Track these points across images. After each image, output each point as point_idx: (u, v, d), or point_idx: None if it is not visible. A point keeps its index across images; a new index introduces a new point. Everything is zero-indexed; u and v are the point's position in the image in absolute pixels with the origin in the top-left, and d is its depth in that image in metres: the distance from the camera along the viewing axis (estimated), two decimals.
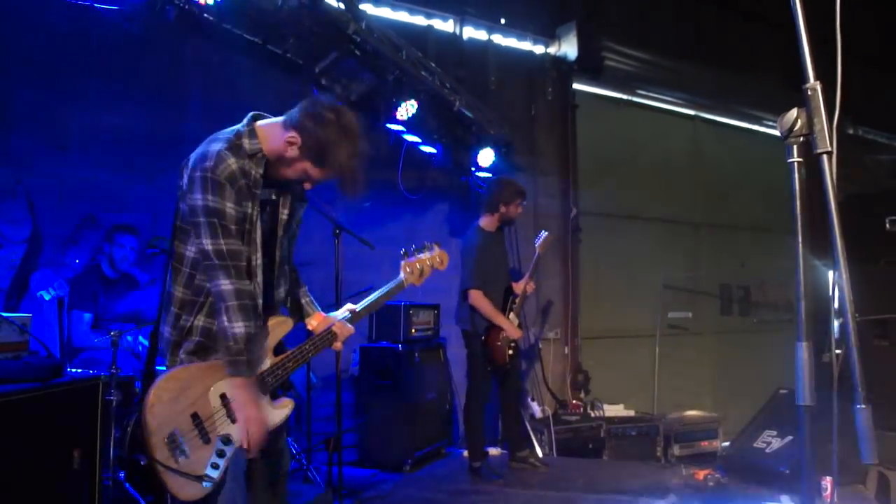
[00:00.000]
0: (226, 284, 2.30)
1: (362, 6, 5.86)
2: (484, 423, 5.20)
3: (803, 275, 1.73)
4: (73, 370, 3.96)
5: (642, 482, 4.91)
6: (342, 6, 4.69)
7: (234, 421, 2.38)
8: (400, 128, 5.51)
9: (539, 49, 7.38)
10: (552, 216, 7.12)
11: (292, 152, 2.37)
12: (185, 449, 2.29)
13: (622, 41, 7.70)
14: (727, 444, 6.17)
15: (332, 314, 2.74)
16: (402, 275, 2.82)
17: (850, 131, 10.39)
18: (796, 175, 1.72)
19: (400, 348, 5.40)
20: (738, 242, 8.84)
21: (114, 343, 3.75)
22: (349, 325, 2.69)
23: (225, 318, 2.29)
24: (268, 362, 2.46)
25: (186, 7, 4.23)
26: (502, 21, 7.12)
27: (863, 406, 1.59)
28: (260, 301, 2.43)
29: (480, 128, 5.97)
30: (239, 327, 2.28)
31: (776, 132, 1.77)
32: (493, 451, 5.91)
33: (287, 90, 5.12)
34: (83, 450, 3.13)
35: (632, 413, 6.54)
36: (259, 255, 2.43)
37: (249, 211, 2.38)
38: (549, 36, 7.41)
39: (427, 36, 6.55)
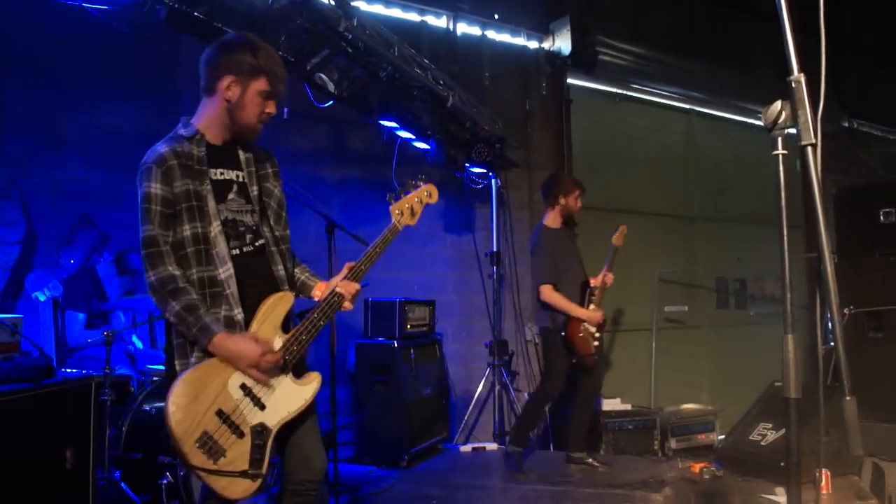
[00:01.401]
0: (148, 278, 2.33)
1: (355, 3, 5.87)
2: (540, 417, 5.22)
3: (789, 267, 1.73)
4: (68, 370, 3.98)
5: (639, 476, 4.91)
6: (333, 3, 4.68)
7: (263, 408, 2.35)
8: (393, 124, 5.51)
9: (533, 44, 7.38)
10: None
11: (234, 91, 2.44)
12: (220, 448, 2.25)
13: (616, 36, 7.69)
14: (723, 437, 6.18)
15: (333, 278, 2.70)
16: (392, 219, 2.79)
17: (846, 124, 10.38)
18: (781, 167, 1.73)
19: (396, 344, 5.40)
20: (733, 236, 8.85)
21: (107, 343, 3.76)
22: (353, 283, 2.64)
23: (165, 314, 2.32)
24: (279, 340, 2.42)
25: (176, 6, 4.21)
26: (496, 17, 7.12)
27: (849, 398, 1.58)
28: (224, 269, 2.41)
29: (474, 123, 5.96)
30: (173, 310, 2.29)
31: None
32: (490, 446, 5.93)
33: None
34: (76, 449, 3.13)
35: (629, 407, 6.54)
36: (217, 224, 2.42)
37: (192, 186, 2.40)
38: (543, 31, 7.41)
39: (420, 32, 6.54)
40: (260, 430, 2.33)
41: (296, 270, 2.73)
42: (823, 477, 4.48)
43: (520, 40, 7.29)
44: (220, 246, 2.42)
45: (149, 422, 3.94)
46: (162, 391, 4.07)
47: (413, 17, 6.53)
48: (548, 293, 4.94)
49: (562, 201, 5.16)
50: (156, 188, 2.35)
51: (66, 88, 4.91)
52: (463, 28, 6.87)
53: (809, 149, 1.66)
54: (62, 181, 4.93)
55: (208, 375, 2.31)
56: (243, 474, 2.26)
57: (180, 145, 2.43)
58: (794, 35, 1.71)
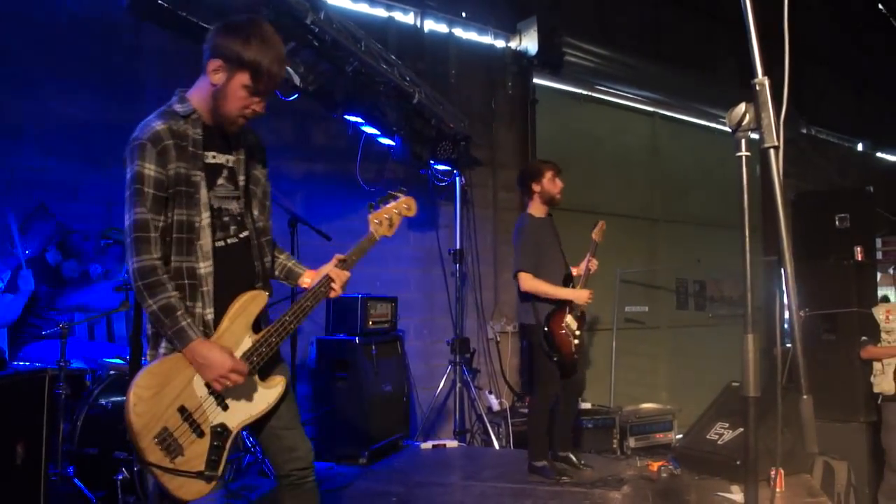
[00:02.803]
0: (130, 266, 2.23)
1: None
2: (550, 422, 4.94)
3: (750, 268, 1.75)
4: (21, 363, 3.88)
5: (597, 474, 4.95)
6: None
7: (225, 408, 2.29)
8: (358, 119, 5.48)
9: (500, 43, 7.39)
10: (512, 209, 7.14)
11: (220, 77, 2.31)
12: (179, 446, 2.18)
13: (582, 37, 7.74)
14: (681, 436, 6.26)
15: (323, 266, 2.62)
16: (370, 228, 2.72)
17: (804, 130, 10.60)
18: (744, 169, 1.75)
19: (357, 341, 5.38)
20: (694, 238, 8.97)
21: (63, 335, 3.68)
22: (345, 271, 2.58)
23: (143, 305, 2.24)
24: (248, 341, 2.36)
25: None
26: (463, 14, 7.12)
27: (806, 397, 1.61)
28: (205, 265, 2.34)
29: (440, 121, 5.95)
30: (150, 308, 2.22)
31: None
32: (451, 443, 5.93)
33: None
34: (27, 444, 3.06)
35: (588, 406, 6.60)
36: (206, 216, 2.34)
37: (185, 171, 2.30)
38: (510, 30, 7.43)
39: (387, 28, 6.52)
40: (220, 431, 2.27)
41: (280, 257, 2.67)
42: (778, 475, 4.56)
43: (487, 39, 7.30)
44: (206, 239, 2.35)
45: (104, 416, 3.87)
46: (119, 384, 4.02)
47: (380, 12, 6.50)
48: (527, 281, 4.77)
49: (536, 188, 5.01)
50: (149, 169, 2.24)
51: (22, 74, 4.79)
52: (430, 25, 6.86)
53: (772, 151, 1.68)
54: (17, 170, 4.81)
55: (175, 370, 2.24)
56: (199, 475, 2.20)
57: (175, 123, 2.32)
58: (758, 38, 1.73)
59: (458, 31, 7.09)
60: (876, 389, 5.70)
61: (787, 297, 1.61)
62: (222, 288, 2.36)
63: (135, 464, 3.63)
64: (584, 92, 8.16)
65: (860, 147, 12.06)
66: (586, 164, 7.99)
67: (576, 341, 4.86)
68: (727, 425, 5.14)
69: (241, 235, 2.45)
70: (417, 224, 6.62)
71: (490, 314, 7.05)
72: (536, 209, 5.05)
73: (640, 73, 8.34)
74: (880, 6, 11.47)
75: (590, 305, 5.01)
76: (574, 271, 5.06)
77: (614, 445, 6.28)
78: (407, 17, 6.72)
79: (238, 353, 2.32)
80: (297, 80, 4.83)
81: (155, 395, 2.18)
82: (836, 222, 6.72)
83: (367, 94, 5.34)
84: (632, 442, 6.37)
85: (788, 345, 6.80)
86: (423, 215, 6.69)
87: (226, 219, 2.42)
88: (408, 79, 5.70)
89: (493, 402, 6.61)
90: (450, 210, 6.81)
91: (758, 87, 1.69)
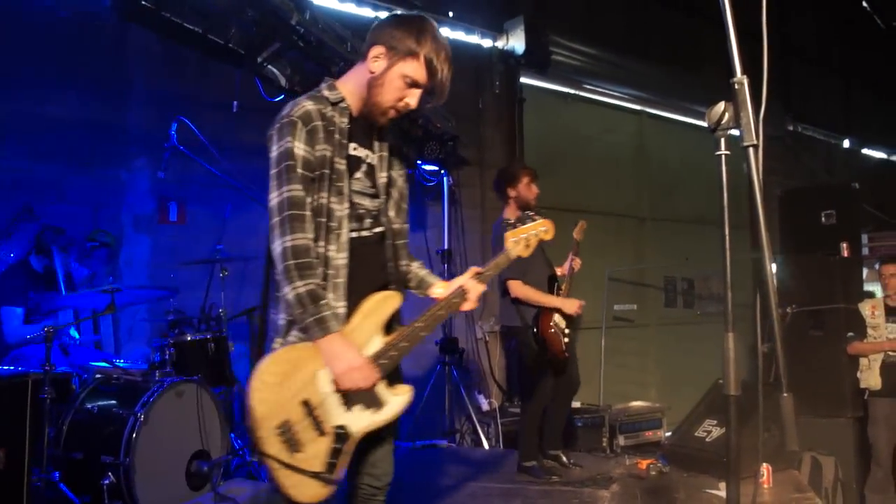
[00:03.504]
0: (280, 244, 2.12)
1: None
2: (542, 420, 4.92)
3: (730, 266, 1.76)
4: (5, 367, 3.86)
5: (587, 472, 4.96)
6: None
7: (349, 409, 2.18)
8: None
9: (487, 43, 7.39)
10: (500, 209, 7.12)
11: (380, 65, 2.27)
12: (299, 441, 2.08)
13: (569, 36, 7.76)
14: (670, 433, 6.28)
15: (456, 278, 2.56)
16: (507, 245, 2.68)
17: (790, 128, 10.65)
18: (724, 167, 1.75)
19: None
20: (682, 236, 9.00)
21: (48, 339, 3.65)
22: (480, 283, 2.50)
23: (283, 287, 2.13)
24: (378, 342, 2.25)
25: None
26: (450, 14, 7.12)
27: (786, 395, 1.61)
28: (342, 255, 2.25)
29: (427, 120, 5.95)
30: (295, 290, 2.10)
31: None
32: (441, 443, 5.93)
33: (231, 79, 5.05)
34: (10, 449, 3.03)
35: (578, 404, 6.61)
36: (346, 205, 2.26)
37: (329, 155, 2.23)
38: (497, 30, 7.43)
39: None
40: (342, 434, 2.15)
41: (413, 266, 2.59)
42: (765, 471, 4.58)
43: (474, 38, 7.30)
44: (345, 230, 2.27)
45: (91, 420, 3.85)
46: (106, 389, 4.01)
47: (367, 12, 6.48)
48: (517, 288, 4.76)
49: (512, 193, 5.02)
50: (299, 147, 2.17)
51: (7, 75, 4.77)
52: None
53: (751, 149, 1.68)
54: (2, 172, 4.78)
55: (303, 360, 2.13)
56: (316, 476, 2.09)
57: (325, 107, 2.26)
58: (738, 38, 1.74)
59: (445, 31, 7.09)
60: (862, 385, 5.75)
61: (768, 294, 1.61)
62: (354, 281, 2.27)
63: (122, 467, 3.62)
64: (572, 91, 8.17)
65: (846, 144, 12.12)
66: (574, 164, 8.01)
67: (566, 339, 4.85)
68: (715, 422, 5.15)
69: (376, 230, 2.38)
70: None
71: (478, 314, 7.05)
72: (512, 213, 5.03)
73: (626, 72, 8.37)
74: (864, 3, 11.57)
75: (583, 308, 4.98)
76: (558, 271, 5.06)
77: (604, 444, 6.29)
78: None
79: (366, 354, 2.21)
80: (282, 80, 4.83)
81: (280, 384, 2.08)
82: (823, 219, 6.76)
83: None
84: (621, 440, 6.38)
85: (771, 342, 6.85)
86: (412, 216, 6.63)
87: (360, 211, 2.35)
88: None
89: (483, 401, 6.61)
90: (438, 210, 6.81)
91: (736, 86, 1.70)
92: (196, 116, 4.79)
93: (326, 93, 2.31)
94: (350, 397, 2.17)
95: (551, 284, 4.94)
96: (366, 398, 2.20)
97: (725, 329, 1.77)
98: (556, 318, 4.82)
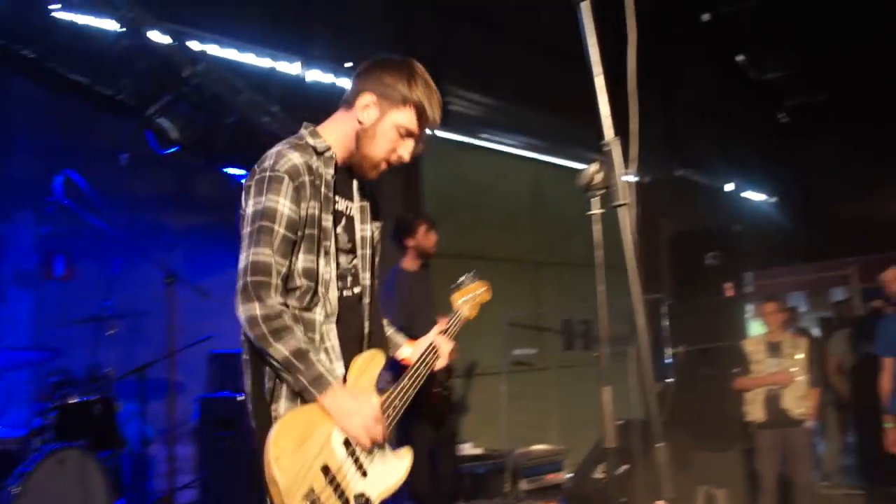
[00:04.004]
0: (246, 311, 1.93)
1: (207, 47, 5.76)
2: (431, 470, 4.87)
3: (606, 319, 1.83)
4: None
5: None
6: (176, 48, 4.58)
7: (364, 475, 2.03)
8: (241, 172, 5.41)
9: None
10: (397, 258, 7.16)
11: (371, 115, 2.13)
12: None
13: (467, 87, 7.94)
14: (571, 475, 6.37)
15: (423, 338, 2.50)
16: (455, 307, 2.67)
17: (679, 173, 11.16)
18: (597, 226, 1.83)
19: (241, 398, 5.21)
20: (579, 279, 9.22)
21: None
22: (448, 340, 2.46)
23: (264, 356, 1.95)
24: (375, 402, 2.11)
25: (2, 43, 3.99)
26: (348, 65, 7.17)
27: (660, 445, 1.68)
28: (330, 319, 2.10)
29: None
30: (277, 354, 1.93)
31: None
32: None
33: (121, 132, 4.94)
34: None
35: (479, 451, 6.63)
36: (333, 268, 2.11)
37: (317, 213, 2.06)
38: None
39: (271, 78, 6.49)
40: (364, 502, 2.01)
41: (382, 324, 2.46)
42: None
43: None
44: (333, 292, 2.11)
45: None
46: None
47: (266, 62, 6.46)
48: None
49: (410, 243, 5.04)
50: (283, 205, 1.98)
51: None
52: (315, 75, 6.88)
53: (623, 209, 1.76)
54: None
55: (314, 422, 1.96)
56: None
57: (310, 158, 2.08)
58: (610, 100, 1.83)
59: (343, 81, 7.13)
60: (748, 418, 5.98)
61: (639, 342, 1.68)
62: (341, 344, 2.14)
63: None
64: (469, 139, 8.34)
65: (729, 187, 12.80)
66: (472, 211, 8.14)
67: (445, 392, 4.87)
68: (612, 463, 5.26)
69: (356, 290, 2.23)
70: None
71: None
72: (410, 263, 5.08)
73: (522, 121, 8.60)
74: (738, 58, 12.39)
75: (476, 351, 5.06)
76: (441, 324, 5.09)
77: (506, 489, 6.31)
78: (291, 67, 6.71)
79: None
80: (174, 133, 4.74)
81: (297, 449, 1.90)
82: (708, 260, 7.10)
83: (249, 146, 5.28)
84: (524, 484, 6.42)
85: (669, 380, 7.09)
86: None
87: (341, 271, 2.20)
88: (290, 130, 5.66)
89: None
90: None
91: (606, 148, 1.78)
92: (83, 168, 4.65)
93: (310, 140, 2.14)
94: (363, 461, 2.04)
95: None
96: (378, 462, 2.09)
97: (601, 383, 1.83)
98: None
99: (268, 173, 2.01)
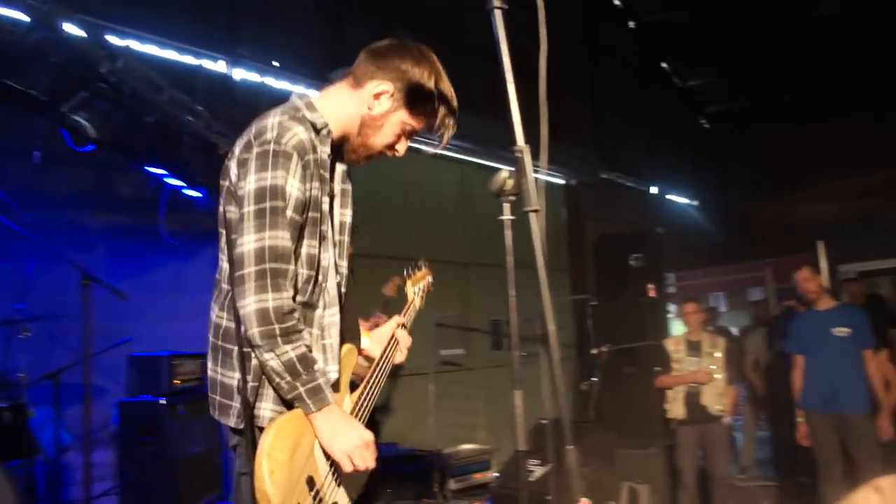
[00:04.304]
0: (256, 302, 1.74)
1: (127, 43, 5.62)
2: None
3: (517, 324, 1.86)
4: None
5: None
6: (94, 43, 4.45)
7: (339, 484, 1.93)
8: (161, 171, 5.29)
9: (313, 93, 7.40)
10: None
11: (383, 105, 2.00)
12: None
13: None
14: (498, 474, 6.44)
15: (379, 329, 2.40)
16: (411, 297, 2.62)
17: (604, 175, 11.40)
18: (509, 231, 1.86)
19: (162, 401, 5.12)
20: (506, 280, 9.31)
21: None
22: (408, 334, 2.38)
23: (262, 352, 1.77)
24: (349, 403, 2.03)
25: None
26: (275, 64, 7.10)
27: (570, 447, 1.71)
28: (331, 312, 1.97)
29: None
30: (282, 356, 1.76)
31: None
32: None
33: (33, 129, 4.78)
34: None
35: (408, 451, 6.64)
36: (331, 254, 1.97)
37: (318, 195, 1.89)
38: (322, 80, 7.47)
39: (197, 76, 6.37)
40: None
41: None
42: None
43: (299, 88, 7.29)
44: (331, 281, 1.96)
45: None
46: None
47: (189, 60, 6.34)
48: None
49: None
50: (292, 184, 1.80)
51: None
52: (241, 74, 6.78)
53: (533, 215, 1.79)
54: None
55: (302, 430, 1.84)
56: None
57: (311, 134, 1.89)
58: (519, 108, 1.86)
59: (270, 81, 7.05)
60: (669, 415, 6.16)
61: (550, 346, 1.72)
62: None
63: None
64: None
65: (654, 190, 13.15)
66: (400, 213, 8.13)
67: None
68: (538, 462, 5.35)
69: (337, 280, 2.08)
70: None
71: None
72: None
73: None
74: (663, 65, 12.74)
75: (410, 354, 5.05)
76: (363, 327, 5.11)
77: (435, 489, 6.34)
78: (217, 66, 6.60)
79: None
80: (91, 131, 4.61)
81: (289, 461, 1.77)
82: (632, 262, 7.27)
83: (171, 145, 5.17)
84: (452, 484, 6.45)
85: (594, 379, 7.24)
86: None
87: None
88: (215, 129, 5.58)
89: None
90: None
91: (518, 155, 1.81)
92: None
93: (307, 114, 1.96)
94: (340, 471, 1.94)
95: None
96: (347, 472, 1.96)
97: (514, 386, 1.86)
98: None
99: (271, 146, 1.82)
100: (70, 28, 4.31)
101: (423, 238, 8.38)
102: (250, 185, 1.80)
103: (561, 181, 10.34)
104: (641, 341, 6.68)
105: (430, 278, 2.75)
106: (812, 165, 12.73)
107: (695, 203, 14.49)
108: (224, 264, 1.97)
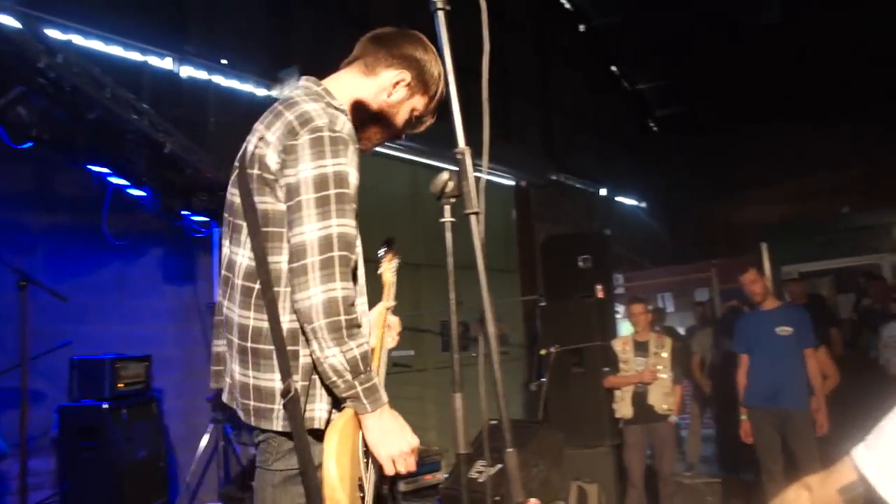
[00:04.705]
0: (325, 292, 1.68)
1: (70, 37, 5.49)
2: None
3: (456, 328, 1.86)
4: None
5: None
6: (32, 35, 4.33)
7: (366, 482, 1.90)
8: (104, 170, 5.17)
9: (261, 91, 7.33)
10: None
11: (400, 94, 2.04)
12: None
13: None
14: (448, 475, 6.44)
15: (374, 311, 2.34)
16: (386, 277, 2.61)
17: (554, 177, 11.51)
18: (450, 234, 1.86)
19: (105, 406, 5.00)
20: (457, 281, 9.33)
21: None
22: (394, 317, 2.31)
23: (324, 348, 1.70)
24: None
25: None
26: (223, 62, 7.00)
27: (510, 450, 1.72)
28: (362, 301, 1.99)
29: (196, 170, 5.77)
30: (349, 352, 1.72)
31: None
32: None
33: None
34: None
35: None
36: (359, 242, 1.95)
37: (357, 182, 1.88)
38: (272, 79, 7.40)
39: (142, 73, 6.25)
40: None
41: None
42: None
43: (247, 87, 7.22)
44: (361, 270, 1.98)
45: None
46: None
47: (135, 56, 6.21)
48: None
49: None
50: (352, 174, 1.81)
51: None
52: (189, 71, 6.67)
53: (473, 217, 1.79)
54: None
55: (356, 431, 1.82)
56: None
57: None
58: (461, 111, 1.86)
59: (218, 79, 6.95)
60: (617, 415, 6.24)
61: (490, 348, 1.72)
62: None
63: None
64: None
65: (603, 192, 13.32)
66: None
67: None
68: (487, 463, 5.36)
69: None
70: (174, 277, 6.33)
71: None
72: None
73: None
74: (613, 68, 12.91)
75: None
76: None
77: (384, 491, 6.31)
78: (164, 63, 6.48)
79: None
80: (28, 128, 4.48)
81: (350, 465, 1.75)
82: (580, 263, 7.35)
83: (114, 143, 5.06)
84: (401, 486, 6.44)
85: (543, 379, 7.30)
86: (180, 268, 6.41)
87: None
88: (160, 128, 5.48)
89: None
90: (208, 262, 6.58)
91: (458, 157, 1.81)
92: None
93: (333, 101, 1.97)
94: (370, 471, 1.92)
95: None
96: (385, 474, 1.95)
97: (453, 389, 1.86)
98: None
99: (326, 133, 1.78)
100: (5, 20, 4.19)
101: (375, 239, 8.28)
102: (307, 172, 1.75)
103: (511, 182, 10.40)
104: (590, 342, 6.75)
105: (398, 259, 2.79)
106: (756, 169, 13.04)
107: (643, 205, 14.72)
108: (243, 260, 1.89)
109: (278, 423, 1.81)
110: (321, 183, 1.74)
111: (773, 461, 5.66)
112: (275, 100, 7.25)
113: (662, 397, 6.06)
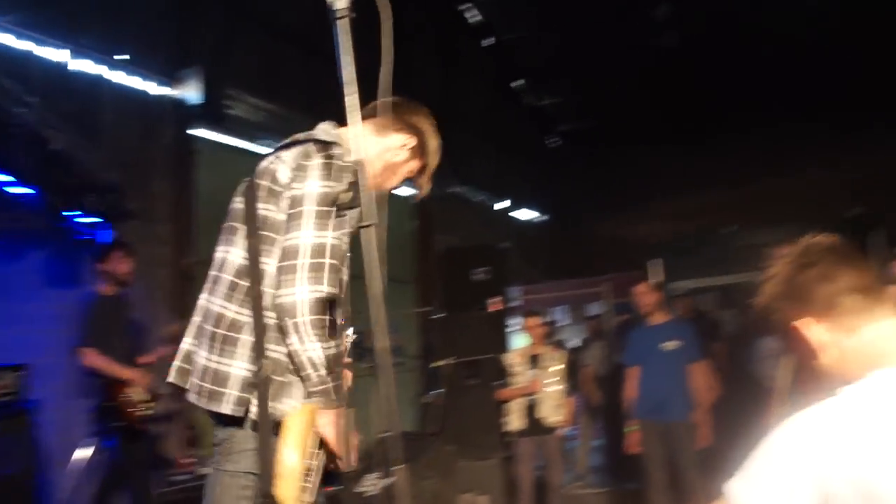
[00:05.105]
0: (311, 292, 1.94)
1: None
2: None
3: (350, 340, 1.87)
4: None
5: None
6: None
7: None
8: None
9: (159, 90, 7.09)
10: (165, 264, 6.83)
11: (402, 155, 2.35)
12: None
13: (247, 91, 7.74)
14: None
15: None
16: None
17: (456, 189, 11.58)
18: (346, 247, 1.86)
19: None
20: (353, 291, 9.25)
21: None
22: None
23: (304, 342, 1.93)
24: None
25: None
26: (120, 57, 6.73)
27: (397, 468, 1.74)
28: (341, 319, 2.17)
29: (83, 169, 5.53)
30: (325, 350, 1.98)
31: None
32: None
33: None
34: None
35: None
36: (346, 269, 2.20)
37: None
38: (171, 78, 7.17)
39: (31, 64, 5.93)
40: None
41: None
42: None
43: (145, 85, 6.96)
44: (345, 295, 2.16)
45: None
46: None
47: (28, 45, 5.88)
48: (90, 356, 4.88)
49: (101, 268, 5.10)
50: (344, 204, 2.06)
51: None
52: (82, 65, 6.37)
53: (372, 229, 1.81)
54: None
55: (308, 423, 2.03)
56: None
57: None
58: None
59: (114, 74, 6.67)
60: (509, 427, 6.32)
61: (382, 363, 1.74)
62: None
63: None
64: (250, 146, 8.12)
65: (502, 205, 13.51)
66: None
67: (148, 411, 5.04)
68: (377, 476, 5.35)
69: None
70: (59, 281, 6.02)
71: None
72: (105, 288, 5.14)
73: (303, 128, 8.51)
74: (517, 83, 13.18)
75: None
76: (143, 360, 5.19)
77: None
78: (57, 55, 6.16)
79: None
80: None
81: (303, 454, 1.98)
82: (476, 275, 7.43)
83: None
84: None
85: (439, 391, 7.33)
86: (66, 271, 6.09)
87: None
88: (49, 123, 5.23)
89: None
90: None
91: (355, 168, 1.82)
92: None
93: (337, 150, 2.16)
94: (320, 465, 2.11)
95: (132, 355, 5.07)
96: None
97: (343, 404, 1.87)
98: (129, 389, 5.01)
99: (333, 161, 2.07)
100: None
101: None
102: (314, 188, 2.00)
103: (411, 192, 10.33)
104: (485, 354, 6.82)
105: None
106: (649, 187, 13.47)
107: (544, 218, 15.01)
108: (235, 259, 2.11)
109: (227, 407, 1.97)
110: (325, 200, 2.00)
111: (658, 471, 5.84)
112: (173, 98, 7.09)
113: (553, 409, 6.19)
